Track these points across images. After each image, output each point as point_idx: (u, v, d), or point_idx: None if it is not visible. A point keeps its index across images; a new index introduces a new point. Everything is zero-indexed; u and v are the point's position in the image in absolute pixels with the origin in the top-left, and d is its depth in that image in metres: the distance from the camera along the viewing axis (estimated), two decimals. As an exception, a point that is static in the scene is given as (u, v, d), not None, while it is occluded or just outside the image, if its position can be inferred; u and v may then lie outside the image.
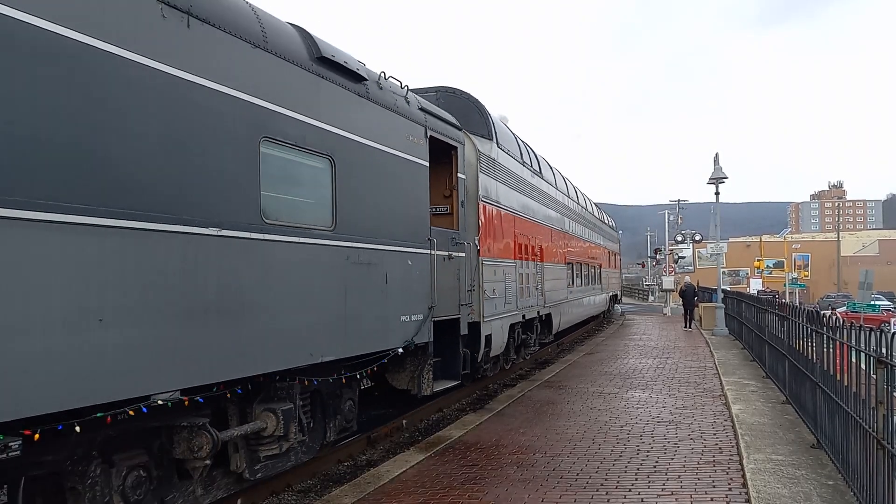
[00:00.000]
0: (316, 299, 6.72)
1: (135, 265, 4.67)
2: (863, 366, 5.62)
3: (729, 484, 6.61)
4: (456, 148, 10.74)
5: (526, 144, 17.23)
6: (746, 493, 6.21)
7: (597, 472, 7.12)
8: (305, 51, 6.84)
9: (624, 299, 58.53)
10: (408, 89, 9.28)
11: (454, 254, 10.40)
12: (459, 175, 10.88)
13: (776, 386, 11.31)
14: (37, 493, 4.79)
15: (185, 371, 5.08)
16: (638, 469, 7.22)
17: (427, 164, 9.41)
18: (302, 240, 6.51)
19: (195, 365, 5.17)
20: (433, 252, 9.47)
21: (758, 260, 51.54)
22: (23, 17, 4.00)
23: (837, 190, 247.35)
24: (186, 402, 5.23)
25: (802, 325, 8.00)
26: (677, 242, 45.91)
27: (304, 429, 6.94)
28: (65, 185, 4.19)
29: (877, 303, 42.25)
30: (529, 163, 16.80)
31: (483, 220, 12.13)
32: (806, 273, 61.09)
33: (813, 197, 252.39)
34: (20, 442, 3.98)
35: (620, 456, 7.75)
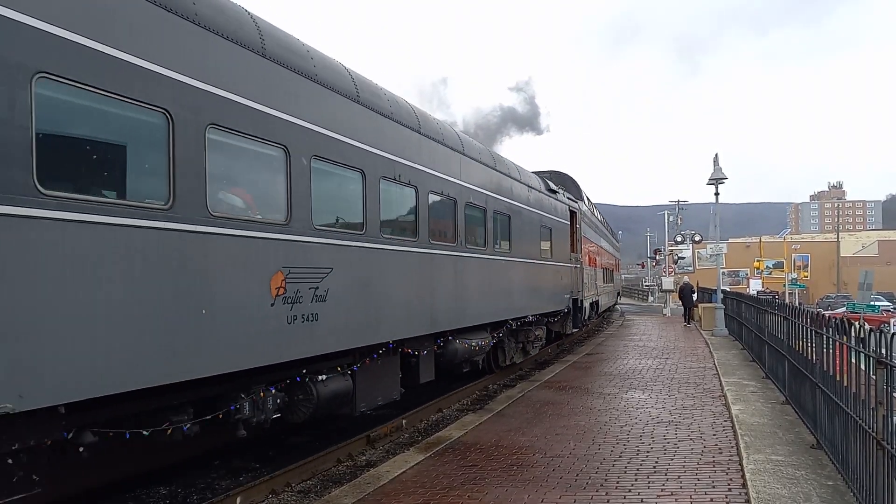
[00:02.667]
0: (547, 285, 17.07)
1: (526, 273, 14.98)
2: (862, 366, 5.63)
3: (729, 484, 6.61)
4: (576, 212, 21.57)
5: (586, 194, 28.99)
6: (746, 494, 6.21)
7: (596, 473, 7.12)
8: (545, 187, 17.69)
9: (624, 300, 58.53)
10: (563, 191, 20.87)
11: (576, 265, 20.94)
12: (577, 225, 21.56)
13: (776, 386, 11.31)
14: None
15: (531, 309, 15.54)
16: (638, 469, 7.22)
17: (569, 222, 20.22)
18: (546, 263, 16.84)
19: (531, 307, 15.48)
20: (571, 265, 20.31)
21: (757, 260, 51.45)
22: (523, 208, 15.37)
23: (837, 190, 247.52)
24: (531, 319, 15.80)
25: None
26: (677, 243, 45.84)
27: (534, 342, 16.89)
28: (525, 250, 15.26)
29: (876, 303, 42.26)
30: (588, 205, 28.77)
31: (581, 246, 22.26)
32: (805, 274, 61.12)
33: (812, 197, 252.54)
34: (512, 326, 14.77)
35: (620, 456, 7.75)
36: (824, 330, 7.22)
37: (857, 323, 5.84)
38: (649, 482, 6.77)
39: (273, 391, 6.98)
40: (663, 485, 6.67)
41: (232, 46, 6.22)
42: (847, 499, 5.88)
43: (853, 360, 5.94)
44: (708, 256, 58.97)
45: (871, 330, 5.42)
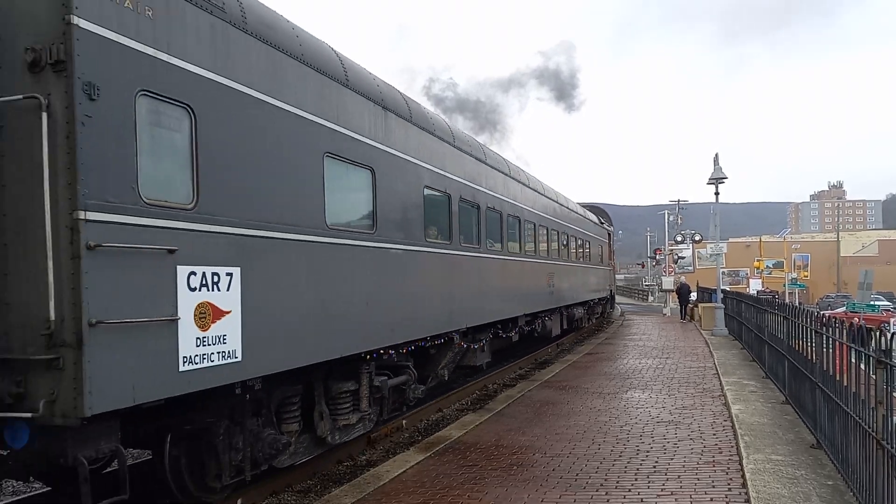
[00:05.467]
0: (601, 281, 29.03)
1: (594, 273, 27.14)
2: (862, 366, 5.62)
3: (728, 484, 6.62)
4: (610, 233, 32.96)
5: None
6: (746, 494, 6.21)
7: (596, 472, 7.13)
8: (598, 219, 29.63)
9: (624, 299, 58.63)
10: (603, 222, 31.22)
11: (610, 269, 32.40)
12: (610, 243, 33.20)
13: (776, 386, 11.31)
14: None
15: (596, 294, 27.57)
16: (638, 469, 7.22)
17: (607, 241, 31.61)
18: (600, 267, 28.80)
19: (596, 293, 27.54)
20: (608, 268, 31.73)
21: (757, 260, 51.41)
22: None
23: (837, 190, 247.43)
24: (596, 300, 27.88)
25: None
26: (677, 243, 45.90)
27: (597, 314, 29.86)
28: (593, 259, 27.46)
29: (876, 303, 42.22)
30: (611, 225, 36.23)
31: (612, 256, 34.73)
32: (806, 273, 61.00)
33: (813, 197, 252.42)
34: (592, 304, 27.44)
35: (620, 456, 7.76)
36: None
37: (876, 329, 5.75)
38: (649, 482, 6.77)
39: (541, 321, 17.22)
40: (663, 484, 6.67)
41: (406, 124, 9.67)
42: (847, 498, 5.88)
43: (853, 360, 5.94)
44: (708, 256, 58.87)
45: (870, 330, 5.40)
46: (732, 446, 8.02)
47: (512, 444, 8.42)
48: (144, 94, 4.96)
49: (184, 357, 5.14)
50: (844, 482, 6.18)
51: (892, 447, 4.71)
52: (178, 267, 5.14)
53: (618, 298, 51.23)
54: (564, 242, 20.56)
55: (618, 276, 48.93)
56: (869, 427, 5.24)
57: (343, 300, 7.42)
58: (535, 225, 16.44)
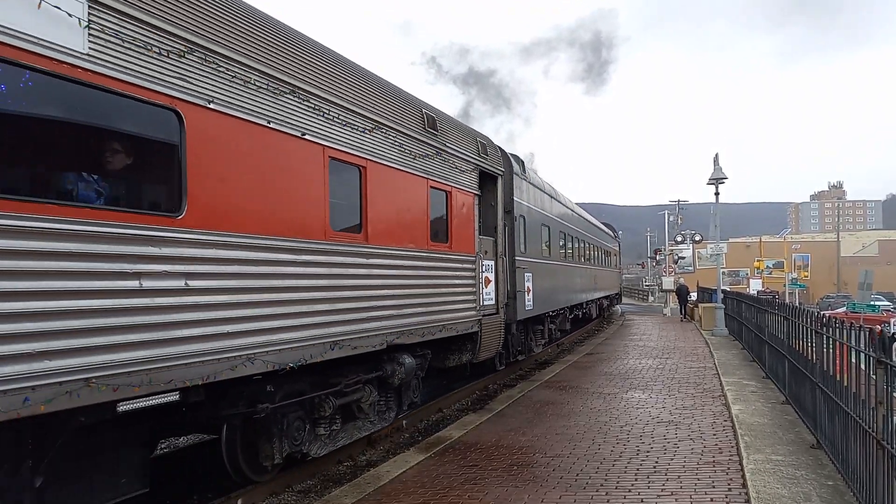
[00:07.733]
0: (614, 280, 39.15)
1: (608, 274, 35.27)
2: (862, 366, 5.62)
3: (729, 484, 6.61)
4: (619, 243, 44.58)
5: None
6: (746, 494, 6.22)
7: (597, 473, 7.13)
8: (612, 233, 39.74)
9: (624, 300, 58.78)
10: (615, 235, 41.61)
11: (619, 271, 44.98)
12: (619, 250, 44.68)
13: (776, 386, 11.31)
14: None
15: (611, 290, 36.68)
16: (638, 469, 7.22)
17: (617, 249, 42.77)
18: (614, 270, 39.65)
19: (611, 289, 36.41)
20: (617, 270, 42.39)
21: (758, 260, 51.53)
22: None
23: (837, 190, 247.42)
24: (612, 295, 37.46)
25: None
26: (677, 243, 45.95)
27: (608, 308, 37.27)
28: (610, 264, 37.58)
29: (876, 303, 42.20)
30: (618, 236, 44.11)
31: (619, 259, 46.35)
32: (806, 273, 61.07)
33: (813, 197, 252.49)
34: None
35: (620, 456, 7.76)
36: (825, 331, 7.17)
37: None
38: (649, 482, 6.77)
39: (588, 307, 26.53)
40: (663, 485, 6.67)
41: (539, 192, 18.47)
42: (847, 499, 5.88)
43: (853, 360, 5.94)
44: (708, 256, 58.89)
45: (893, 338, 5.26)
46: (732, 446, 8.02)
47: (512, 444, 8.42)
48: (520, 216, 14.64)
49: (525, 305, 14.77)
50: (844, 482, 6.18)
51: (892, 447, 4.72)
52: (524, 273, 14.65)
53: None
54: (599, 254, 30.46)
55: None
56: (869, 427, 5.24)
57: (544, 287, 16.62)
58: (589, 244, 26.70)
